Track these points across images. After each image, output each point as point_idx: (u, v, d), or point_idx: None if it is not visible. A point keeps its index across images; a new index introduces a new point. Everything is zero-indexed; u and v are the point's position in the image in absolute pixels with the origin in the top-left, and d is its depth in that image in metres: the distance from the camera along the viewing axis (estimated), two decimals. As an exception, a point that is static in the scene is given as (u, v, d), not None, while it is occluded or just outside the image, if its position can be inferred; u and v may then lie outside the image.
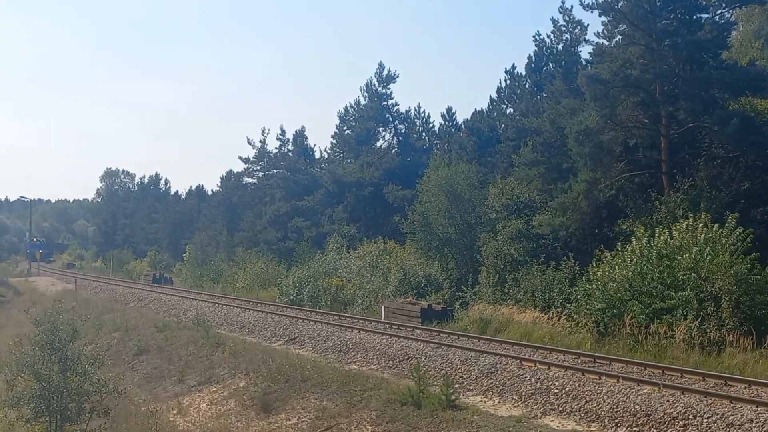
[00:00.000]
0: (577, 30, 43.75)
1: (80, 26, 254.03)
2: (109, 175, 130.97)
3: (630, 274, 25.27)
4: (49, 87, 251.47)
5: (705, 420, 16.43)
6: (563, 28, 44.41)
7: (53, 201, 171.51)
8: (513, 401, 20.21)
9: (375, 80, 59.45)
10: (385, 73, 59.32)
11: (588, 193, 31.26)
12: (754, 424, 15.80)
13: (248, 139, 69.82)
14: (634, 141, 32.09)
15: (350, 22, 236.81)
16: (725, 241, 24.20)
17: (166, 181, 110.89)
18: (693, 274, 23.57)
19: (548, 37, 46.20)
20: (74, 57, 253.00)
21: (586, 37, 42.30)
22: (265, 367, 27.08)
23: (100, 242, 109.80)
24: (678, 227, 25.83)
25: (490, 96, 53.47)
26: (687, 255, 24.17)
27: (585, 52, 42.78)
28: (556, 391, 19.82)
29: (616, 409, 17.96)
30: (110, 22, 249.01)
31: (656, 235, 25.91)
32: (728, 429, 15.97)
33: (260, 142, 69.80)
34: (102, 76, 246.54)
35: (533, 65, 47.99)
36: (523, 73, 49.64)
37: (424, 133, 61.11)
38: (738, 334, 21.90)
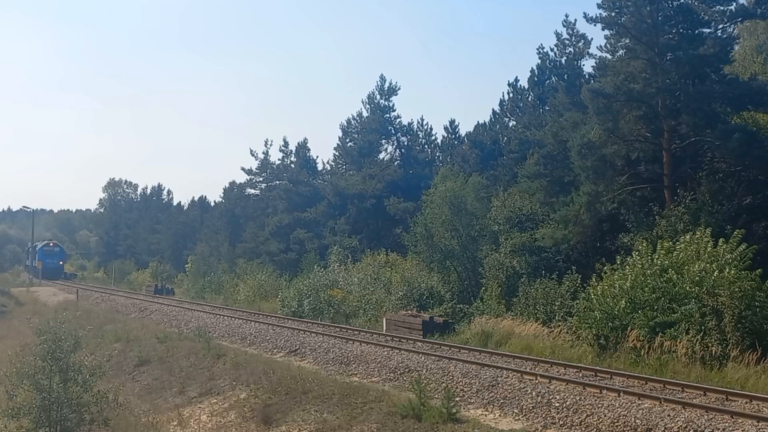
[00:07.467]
0: (580, 43, 43.96)
1: (93, 37, 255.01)
2: (112, 186, 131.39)
3: (628, 285, 25.27)
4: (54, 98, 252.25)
5: (706, 435, 16.37)
6: (567, 42, 44.62)
7: (56, 211, 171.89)
8: (514, 415, 20.14)
9: (377, 93, 59.57)
10: (386, 85, 59.38)
11: (590, 206, 31.29)
12: (755, 440, 15.75)
13: (251, 151, 70.29)
14: (636, 155, 32.13)
15: (352, 35, 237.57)
16: (729, 256, 24.18)
17: (169, 192, 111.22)
18: (697, 287, 23.51)
19: (552, 50, 46.41)
20: (87, 68, 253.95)
21: (590, 51, 42.51)
22: (266, 378, 27.02)
23: (102, 252, 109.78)
24: (682, 240, 25.84)
25: (493, 109, 53.80)
26: (694, 268, 24.15)
27: (588, 65, 43.03)
28: (557, 404, 19.76)
29: (617, 424, 17.89)
30: (115, 29, 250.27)
31: (657, 248, 25.92)
32: (730, 444, 15.92)
33: (263, 153, 70.32)
34: (108, 86, 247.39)
35: (536, 78, 48.16)
36: (526, 86, 49.83)
37: (426, 146, 61.21)
38: (740, 348, 21.84)
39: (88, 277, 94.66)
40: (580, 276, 30.52)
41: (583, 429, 18.31)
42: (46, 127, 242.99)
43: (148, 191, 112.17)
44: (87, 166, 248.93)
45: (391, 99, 59.46)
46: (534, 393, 20.80)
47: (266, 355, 31.51)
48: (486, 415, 20.47)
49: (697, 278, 23.83)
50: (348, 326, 35.99)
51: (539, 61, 47.57)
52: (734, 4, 31.04)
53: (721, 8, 30.86)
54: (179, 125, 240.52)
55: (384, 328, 33.41)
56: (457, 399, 21.10)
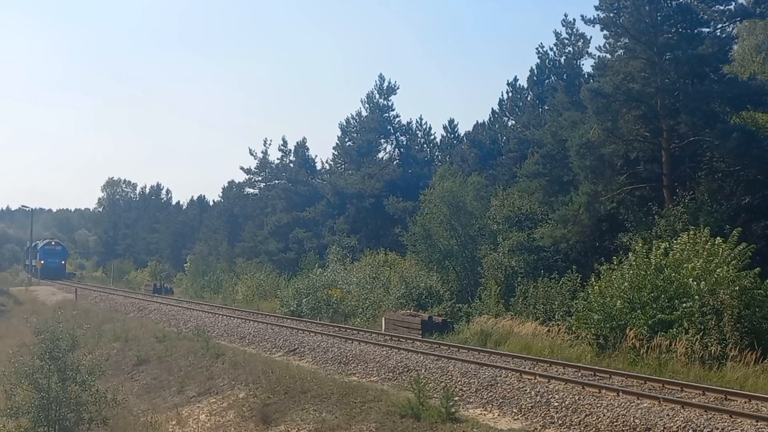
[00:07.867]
0: (579, 43, 43.94)
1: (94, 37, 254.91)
2: (111, 185, 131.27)
3: (626, 285, 25.25)
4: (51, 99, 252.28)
5: (705, 434, 16.36)
6: (566, 41, 44.58)
7: (55, 210, 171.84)
8: (513, 414, 20.13)
9: (376, 92, 59.53)
10: (385, 84, 59.38)
11: (589, 205, 31.28)
12: (754, 439, 15.74)
13: (250, 150, 70.19)
14: (635, 154, 32.12)
15: (352, 35, 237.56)
16: (727, 255, 24.15)
17: (168, 191, 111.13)
18: (702, 282, 23.44)
19: (551, 49, 46.40)
20: (88, 66, 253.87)
21: (589, 50, 42.45)
22: (265, 378, 27.00)
23: (101, 252, 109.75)
24: (680, 240, 25.82)
25: (492, 108, 53.70)
26: (696, 264, 24.10)
27: (587, 65, 42.97)
28: (556, 404, 19.76)
29: (616, 423, 17.88)
30: (115, 29, 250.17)
31: (654, 248, 25.89)
32: (728, 444, 15.91)
33: (262, 152, 70.28)
34: (108, 85, 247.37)
35: (535, 78, 48.14)
36: (525, 86, 49.79)
37: (425, 145, 61.17)
38: (739, 348, 21.82)
39: (87, 277, 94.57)
40: (579, 276, 30.51)
41: (582, 428, 18.30)
42: (45, 127, 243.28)
43: (147, 191, 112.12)
44: (86, 165, 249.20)
45: (390, 98, 59.52)
46: (533, 392, 20.80)
47: (265, 355, 31.49)
48: (485, 415, 20.45)
49: (696, 273, 23.80)
50: (347, 326, 35.98)
51: (538, 61, 47.60)
52: (733, 3, 31.09)
53: (720, 8, 30.85)
54: (179, 125, 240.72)
55: (383, 327, 33.39)
56: (456, 398, 21.08)
